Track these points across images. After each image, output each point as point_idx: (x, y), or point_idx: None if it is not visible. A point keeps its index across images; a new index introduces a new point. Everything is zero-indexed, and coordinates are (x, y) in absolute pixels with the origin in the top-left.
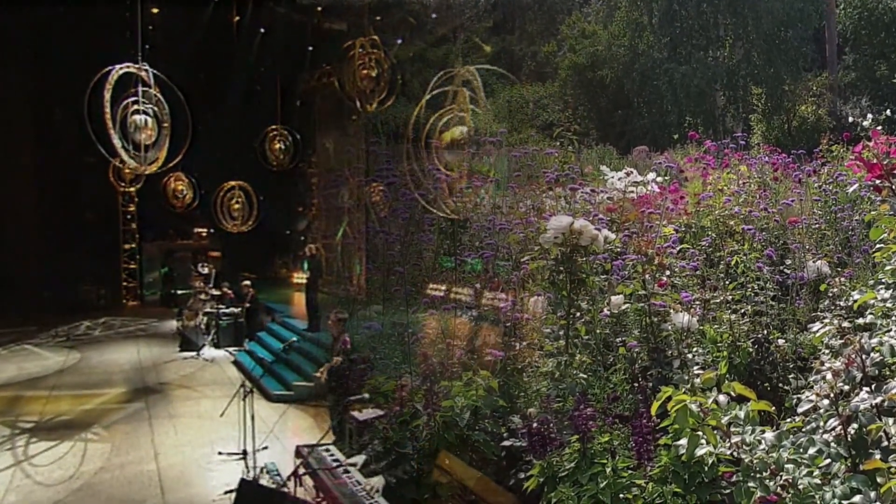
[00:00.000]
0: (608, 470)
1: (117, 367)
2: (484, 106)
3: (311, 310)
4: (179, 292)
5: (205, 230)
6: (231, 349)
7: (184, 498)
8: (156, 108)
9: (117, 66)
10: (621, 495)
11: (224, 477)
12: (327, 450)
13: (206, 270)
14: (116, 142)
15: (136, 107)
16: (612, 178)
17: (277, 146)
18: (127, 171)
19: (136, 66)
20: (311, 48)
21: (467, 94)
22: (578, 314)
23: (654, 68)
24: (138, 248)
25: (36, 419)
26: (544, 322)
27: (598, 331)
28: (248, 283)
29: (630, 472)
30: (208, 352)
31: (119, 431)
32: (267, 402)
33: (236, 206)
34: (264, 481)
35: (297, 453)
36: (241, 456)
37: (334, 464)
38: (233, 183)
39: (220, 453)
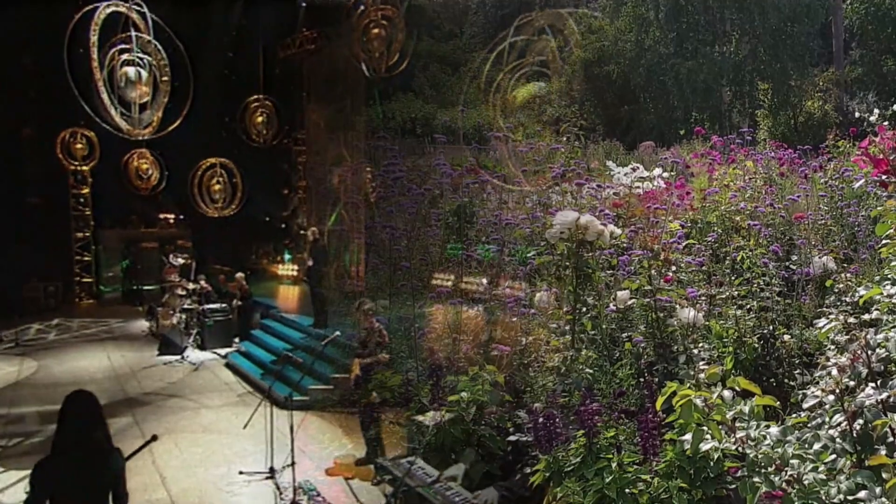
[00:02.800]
0: (614, 465)
1: (87, 377)
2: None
3: (316, 303)
4: (145, 288)
5: (172, 216)
6: (221, 351)
7: None
8: (150, 59)
9: (104, 3)
10: (627, 490)
11: (252, 501)
12: (410, 461)
13: (180, 261)
14: (106, 98)
15: (126, 56)
16: (619, 173)
17: (259, 119)
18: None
19: (126, 3)
20: (304, 4)
21: (552, 43)
22: (584, 309)
23: (661, 64)
24: (93, 237)
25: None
26: (550, 317)
27: (604, 326)
28: (241, 274)
29: (636, 466)
30: (193, 354)
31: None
32: (277, 410)
33: (217, 186)
34: None
35: (379, 468)
36: (269, 475)
37: (427, 478)
38: (213, 160)
39: (241, 472)
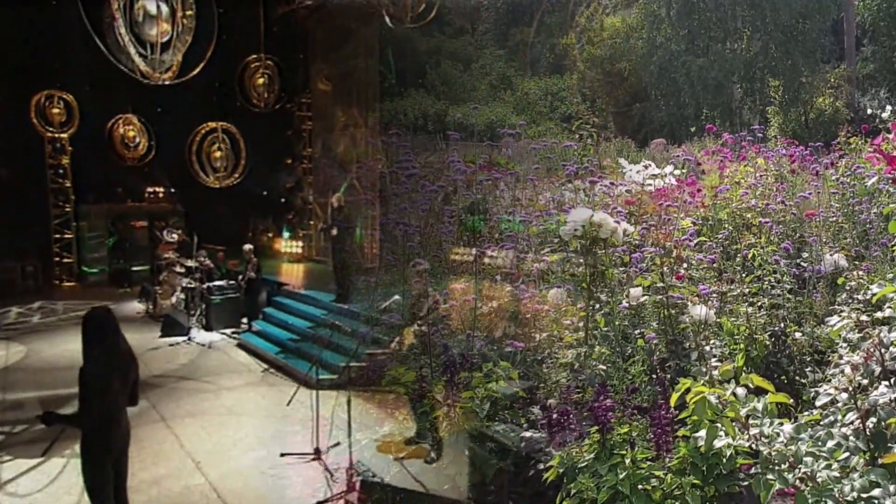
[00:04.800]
0: (627, 461)
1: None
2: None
3: (340, 276)
4: (134, 269)
5: (161, 189)
6: (230, 331)
7: None
8: None
9: None
10: (640, 486)
11: (302, 484)
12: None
13: (175, 237)
14: (124, 33)
15: None
16: (631, 170)
17: (260, 81)
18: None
19: None
20: None
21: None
22: (598, 306)
23: (672, 61)
24: (74, 213)
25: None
26: (564, 313)
27: (616, 322)
28: (249, 246)
29: (649, 463)
30: (199, 335)
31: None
32: (306, 389)
33: (218, 153)
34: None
35: None
36: (314, 456)
37: None
38: (213, 124)
39: (282, 455)
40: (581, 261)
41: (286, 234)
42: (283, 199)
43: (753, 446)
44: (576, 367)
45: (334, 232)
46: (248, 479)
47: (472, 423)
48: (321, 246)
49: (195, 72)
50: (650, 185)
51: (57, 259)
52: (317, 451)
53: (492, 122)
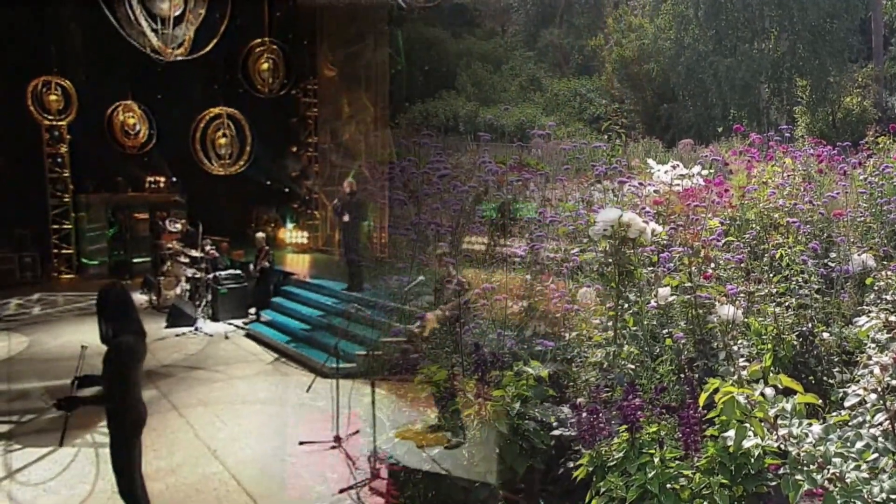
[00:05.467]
0: (656, 460)
1: (91, 350)
2: None
3: (352, 264)
4: (135, 260)
5: (162, 178)
6: (238, 322)
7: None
8: None
9: None
10: (669, 485)
11: (323, 472)
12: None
13: (178, 227)
14: (136, 6)
15: None
16: (659, 171)
17: (265, 66)
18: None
19: None
20: None
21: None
22: (626, 305)
23: (700, 61)
24: (73, 203)
25: (7, 420)
26: (593, 313)
27: (645, 322)
28: (262, 235)
29: (677, 462)
30: (206, 325)
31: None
32: (321, 378)
33: (223, 140)
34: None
35: None
36: (335, 444)
37: None
38: (218, 110)
39: (301, 443)
40: (610, 260)
41: (289, 224)
42: (286, 189)
43: (782, 447)
44: (605, 366)
45: (346, 218)
46: (267, 467)
47: (502, 421)
48: (326, 235)
49: (208, 48)
50: (678, 185)
51: (55, 250)
52: (337, 439)
53: (522, 123)
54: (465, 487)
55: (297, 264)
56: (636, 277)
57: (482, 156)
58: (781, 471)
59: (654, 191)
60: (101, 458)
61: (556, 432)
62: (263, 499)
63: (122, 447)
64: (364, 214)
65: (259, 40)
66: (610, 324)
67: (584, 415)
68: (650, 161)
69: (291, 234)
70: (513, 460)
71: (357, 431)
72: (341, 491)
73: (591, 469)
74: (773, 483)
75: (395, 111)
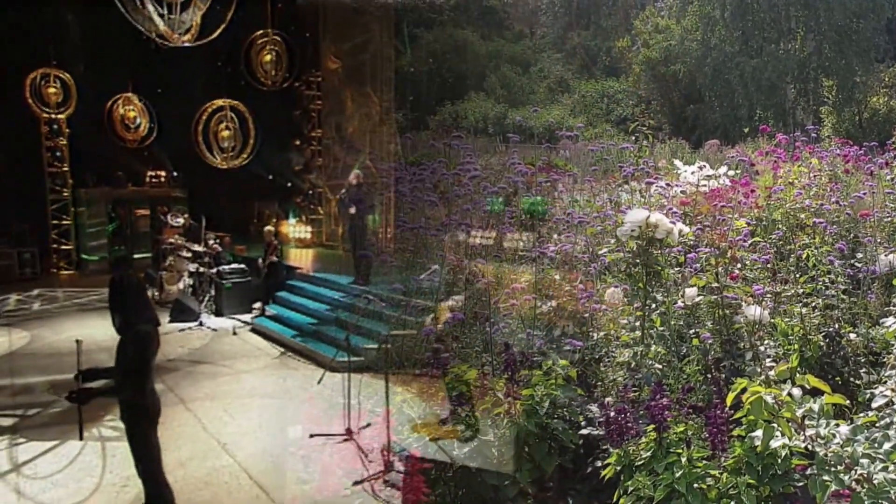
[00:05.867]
0: (683, 460)
1: (94, 345)
2: None
3: (359, 257)
4: (136, 256)
5: (163, 173)
6: (243, 317)
7: (300, 496)
8: None
9: None
10: (696, 485)
11: (336, 465)
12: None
13: (180, 221)
14: None
15: None
16: (685, 171)
17: (267, 58)
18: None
19: None
20: None
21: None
22: (654, 305)
23: (726, 62)
24: (73, 198)
25: (11, 413)
26: (621, 313)
27: (672, 322)
28: (270, 228)
29: (704, 462)
30: (210, 320)
31: None
32: (329, 372)
33: (226, 133)
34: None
35: None
36: (346, 437)
37: None
38: (221, 102)
39: (312, 436)
40: (637, 261)
41: (292, 219)
42: (288, 184)
43: (809, 447)
44: (632, 365)
45: (353, 210)
46: (278, 460)
47: (532, 419)
48: (330, 230)
49: (216, 33)
50: (704, 185)
51: (55, 246)
52: (349, 432)
53: (550, 125)
54: (495, 485)
55: (301, 259)
56: (663, 278)
57: (511, 157)
58: (808, 471)
59: (681, 191)
60: (108, 452)
61: (584, 431)
62: (276, 491)
63: (141, 437)
64: (371, 207)
65: (261, 31)
66: (637, 324)
67: (612, 414)
68: (677, 162)
69: (294, 228)
70: (541, 459)
71: (368, 424)
72: (355, 483)
73: (618, 468)
74: (800, 484)
75: (401, 105)
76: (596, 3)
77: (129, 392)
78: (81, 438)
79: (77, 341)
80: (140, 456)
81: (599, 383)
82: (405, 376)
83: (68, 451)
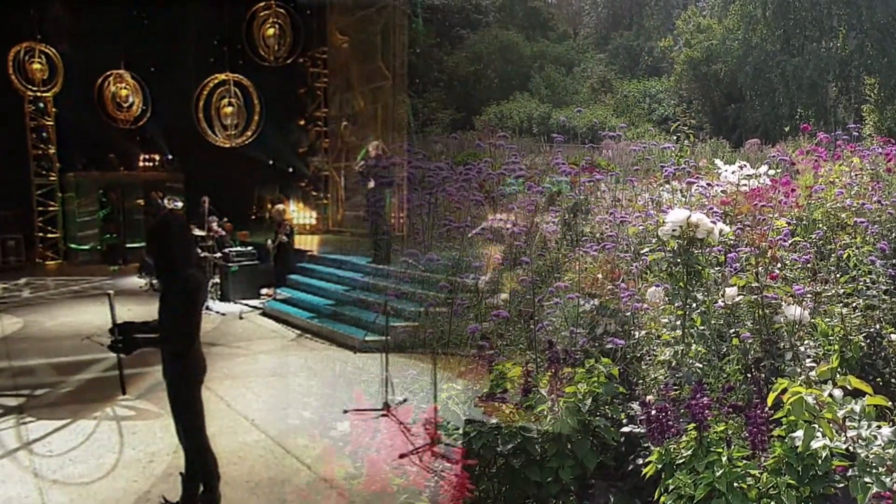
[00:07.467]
0: (724, 459)
1: (95, 329)
2: None
3: (377, 235)
4: (129, 246)
5: (158, 155)
6: (251, 302)
7: (342, 471)
8: None
9: None
10: (736, 484)
11: (376, 439)
12: None
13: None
14: None
15: None
16: (726, 171)
17: (270, 32)
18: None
19: None
20: None
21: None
22: (694, 305)
23: (767, 61)
24: (60, 182)
25: (16, 393)
26: (662, 312)
27: (712, 321)
28: (281, 206)
29: (745, 461)
30: (215, 304)
31: (167, 401)
32: (351, 353)
33: (228, 109)
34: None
35: None
36: (384, 412)
37: None
38: (223, 76)
39: (345, 411)
40: (678, 260)
41: (292, 206)
42: (290, 169)
43: (850, 448)
44: (673, 364)
45: (371, 184)
46: (315, 434)
47: (574, 417)
48: (337, 216)
49: None
50: (745, 185)
51: (41, 234)
52: (386, 407)
53: (593, 125)
54: (538, 482)
55: (308, 246)
56: (704, 277)
57: (555, 157)
58: (849, 473)
59: (722, 191)
60: (127, 430)
61: (625, 429)
62: (320, 462)
63: (184, 396)
64: (391, 182)
65: (263, 3)
66: (678, 322)
67: (654, 412)
68: (717, 161)
69: (299, 214)
70: (584, 456)
71: (405, 400)
72: (402, 456)
73: (659, 466)
74: (841, 485)
75: (413, 79)
76: (639, 4)
77: (175, 345)
78: (124, 393)
79: (108, 294)
80: (182, 418)
81: (641, 381)
82: (443, 357)
83: (82, 429)
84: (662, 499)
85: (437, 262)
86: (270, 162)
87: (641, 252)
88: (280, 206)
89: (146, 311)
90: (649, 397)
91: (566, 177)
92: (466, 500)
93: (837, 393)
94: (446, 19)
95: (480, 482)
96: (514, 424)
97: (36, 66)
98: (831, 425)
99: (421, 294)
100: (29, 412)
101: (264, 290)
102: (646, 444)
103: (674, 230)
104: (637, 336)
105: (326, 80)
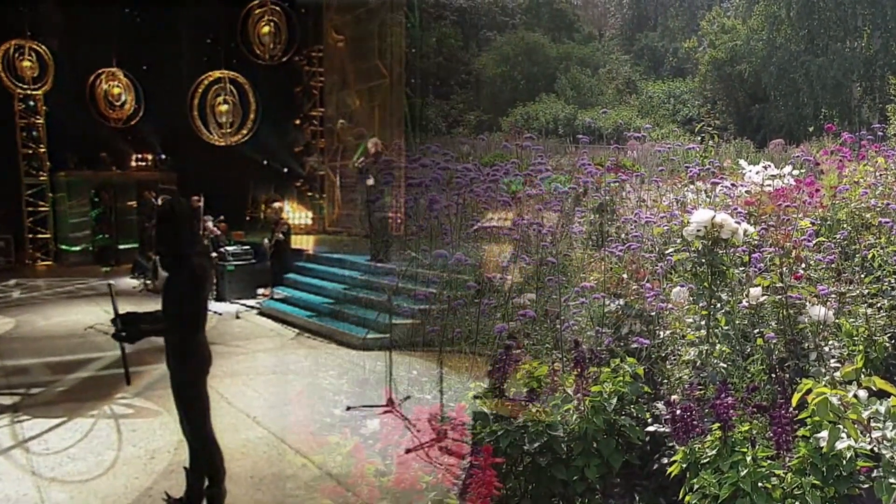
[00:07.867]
0: (748, 459)
1: (93, 330)
2: None
3: (375, 231)
4: (121, 247)
5: (150, 155)
6: (247, 302)
7: (343, 462)
8: None
9: None
10: (761, 484)
11: (379, 435)
12: None
13: None
14: None
15: None
16: (750, 171)
17: (265, 29)
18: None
19: None
20: None
21: None
22: (718, 305)
23: (791, 61)
24: (51, 182)
25: (10, 392)
26: (686, 312)
27: (736, 321)
28: (279, 204)
29: (769, 461)
30: (210, 304)
31: (166, 399)
32: (352, 350)
33: (223, 107)
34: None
35: None
36: (387, 408)
37: None
38: (218, 73)
39: (349, 408)
40: (703, 260)
41: (287, 206)
42: (285, 169)
43: (875, 449)
44: (697, 364)
45: (370, 181)
46: (317, 431)
47: (600, 416)
48: (334, 216)
49: None
50: (769, 185)
51: (30, 235)
52: (390, 403)
53: (618, 126)
54: (564, 480)
55: (304, 246)
56: (728, 277)
57: (581, 158)
58: (874, 474)
59: (746, 191)
60: (126, 427)
61: (650, 428)
62: (323, 454)
63: (190, 387)
64: (390, 178)
65: (258, 1)
66: (703, 323)
67: (678, 412)
68: (742, 162)
69: (294, 214)
70: (609, 455)
71: (409, 397)
72: (408, 451)
73: (684, 465)
74: (866, 486)
75: (410, 77)
76: (663, 5)
77: (180, 334)
78: (129, 383)
79: (109, 284)
80: (187, 410)
81: (665, 381)
82: (433, 353)
83: (79, 427)
84: (687, 498)
85: (465, 263)
86: (265, 161)
87: (666, 252)
88: (277, 205)
89: (143, 309)
90: (674, 397)
91: (592, 177)
92: (494, 497)
93: (862, 394)
94: (473, 22)
95: (507, 480)
96: (541, 422)
97: (26, 63)
98: (856, 426)
99: (422, 293)
100: (24, 410)
101: (261, 290)
102: (670, 444)
103: (698, 230)
104: (662, 336)
105: (322, 78)
